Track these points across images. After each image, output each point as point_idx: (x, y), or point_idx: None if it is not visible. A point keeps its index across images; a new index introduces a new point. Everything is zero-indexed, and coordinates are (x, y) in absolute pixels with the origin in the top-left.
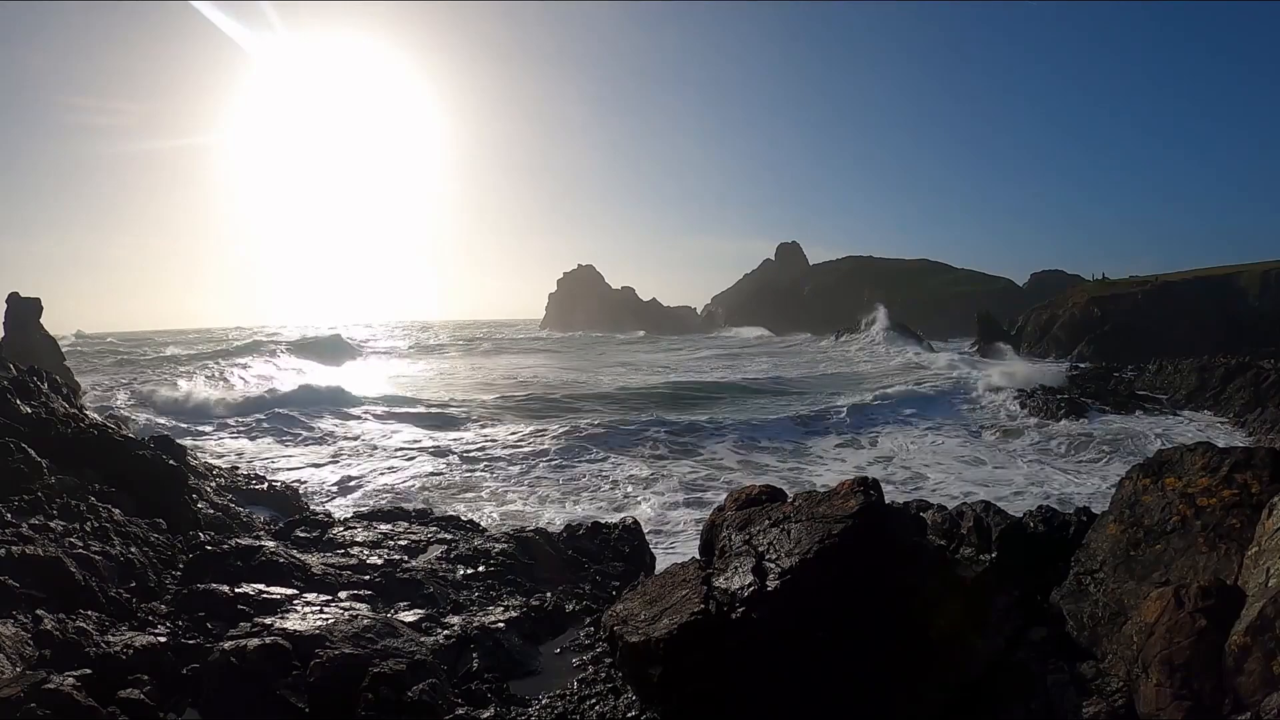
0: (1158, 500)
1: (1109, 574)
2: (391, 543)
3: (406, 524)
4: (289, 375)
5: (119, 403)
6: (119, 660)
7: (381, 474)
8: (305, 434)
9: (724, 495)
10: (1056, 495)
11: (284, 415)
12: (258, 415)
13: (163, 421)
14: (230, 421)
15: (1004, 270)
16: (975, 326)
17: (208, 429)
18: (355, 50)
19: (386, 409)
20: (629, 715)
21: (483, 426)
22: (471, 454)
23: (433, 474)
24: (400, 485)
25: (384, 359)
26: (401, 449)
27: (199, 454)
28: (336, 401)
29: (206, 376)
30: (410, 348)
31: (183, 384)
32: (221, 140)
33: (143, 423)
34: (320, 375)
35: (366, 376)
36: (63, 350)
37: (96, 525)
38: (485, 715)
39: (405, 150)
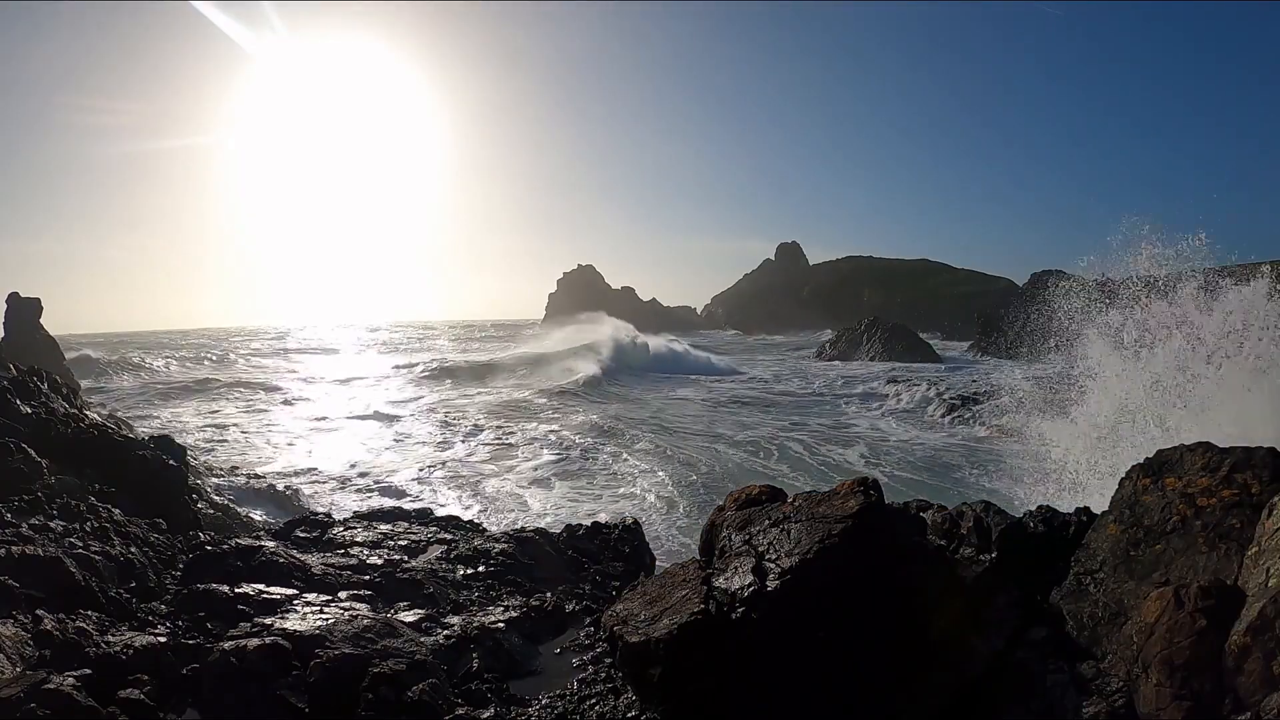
0: (1157, 500)
1: (1109, 574)
2: (391, 543)
3: (406, 524)
4: None
5: None
6: (119, 660)
7: None
8: None
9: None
10: None
11: None
12: None
13: None
14: None
15: (1004, 270)
16: (975, 327)
17: None
18: (356, 51)
19: None
20: (629, 715)
21: None
22: None
23: None
24: None
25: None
26: None
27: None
28: None
29: None
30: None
31: None
32: (222, 141)
33: None
34: None
35: None
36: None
37: (96, 525)
38: (485, 715)
39: (405, 150)
